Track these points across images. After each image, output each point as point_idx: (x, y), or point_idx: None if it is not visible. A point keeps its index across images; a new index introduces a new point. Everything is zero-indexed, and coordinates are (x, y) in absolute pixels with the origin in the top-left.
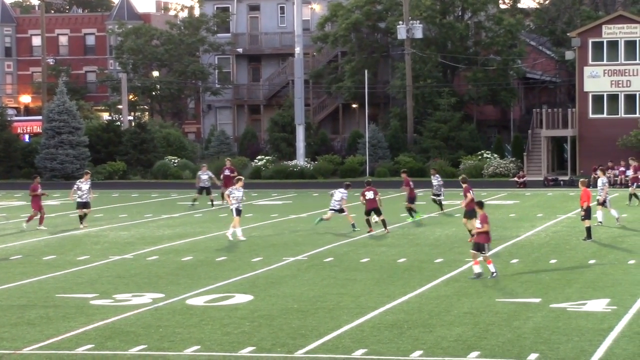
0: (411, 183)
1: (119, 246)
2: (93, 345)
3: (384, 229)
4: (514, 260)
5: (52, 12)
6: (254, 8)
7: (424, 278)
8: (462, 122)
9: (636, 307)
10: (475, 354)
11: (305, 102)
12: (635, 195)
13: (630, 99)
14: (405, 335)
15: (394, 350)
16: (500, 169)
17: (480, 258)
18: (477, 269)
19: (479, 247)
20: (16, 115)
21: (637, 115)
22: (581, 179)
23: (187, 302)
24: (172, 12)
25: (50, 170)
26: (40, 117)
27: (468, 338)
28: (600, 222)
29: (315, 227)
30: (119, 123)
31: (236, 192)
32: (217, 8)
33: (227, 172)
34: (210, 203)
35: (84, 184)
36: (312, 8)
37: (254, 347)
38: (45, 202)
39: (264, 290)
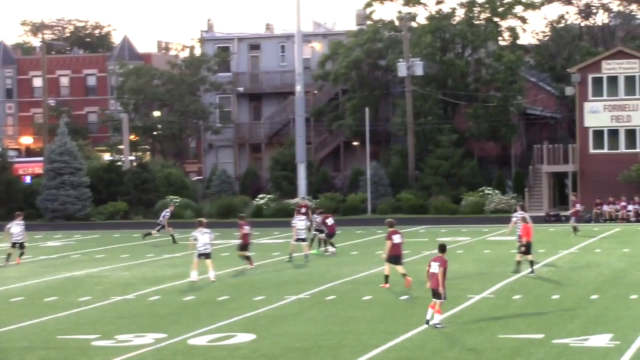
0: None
1: (120, 286)
2: None
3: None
4: (517, 296)
5: (53, 53)
6: (255, 47)
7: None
8: (463, 158)
9: (639, 341)
10: None
11: (306, 140)
12: (574, 228)
13: (631, 134)
14: None
15: None
16: (502, 205)
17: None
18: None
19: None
20: (17, 157)
21: (638, 150)
22: (524, 215)
23: (189, 342)
24: (173, 52)
25: (52, 212)
26: (41, 158)
27: None
28: None
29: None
30: (120, 163)
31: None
32: (217, 47)
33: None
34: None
35: (14, 226)
36: (312, 46)
37: None
38: (46, 244)
39: (266, 329)
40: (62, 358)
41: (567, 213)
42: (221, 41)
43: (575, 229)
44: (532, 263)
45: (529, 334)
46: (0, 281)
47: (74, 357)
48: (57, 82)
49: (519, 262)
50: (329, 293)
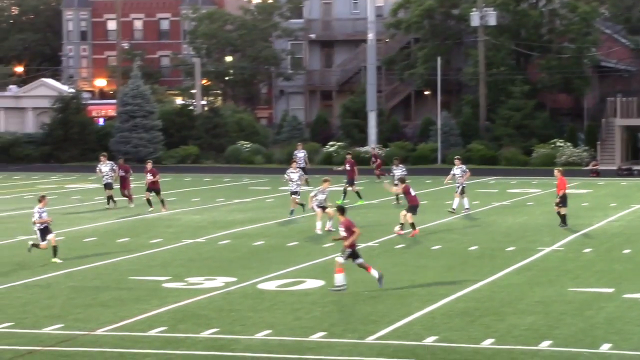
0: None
1: (191, 230)
2: (166, 328)
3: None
4: (587, 250)
5: None
6: None
7: (496, 266)
8: (535, 110)
9: None
10: (547, 343)
11: (377, 88)
12: None
13: None
14: (477, 323)
15: (465, 338)
16: (573, 158)
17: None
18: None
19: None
20: (91, 99)
21: None
22: (558, 168)
23: (258, 287)
24: None
25: (124, 154)
26: (114, 101)
27: (540, 327)
28: (453, 209)
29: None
30: (192, 107)
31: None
32: None
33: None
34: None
35: (103, 166)
36: None
37: (325, 332)
38: (117, 186)
39: None
40: (133, 298)
41: None
42: None
43: None
44: (564, 217)
45: (599, 287)
46: (74, 222)
47: (145, 298)
48: (131, 25)
49: (562, 215)
50: (398, 242)
